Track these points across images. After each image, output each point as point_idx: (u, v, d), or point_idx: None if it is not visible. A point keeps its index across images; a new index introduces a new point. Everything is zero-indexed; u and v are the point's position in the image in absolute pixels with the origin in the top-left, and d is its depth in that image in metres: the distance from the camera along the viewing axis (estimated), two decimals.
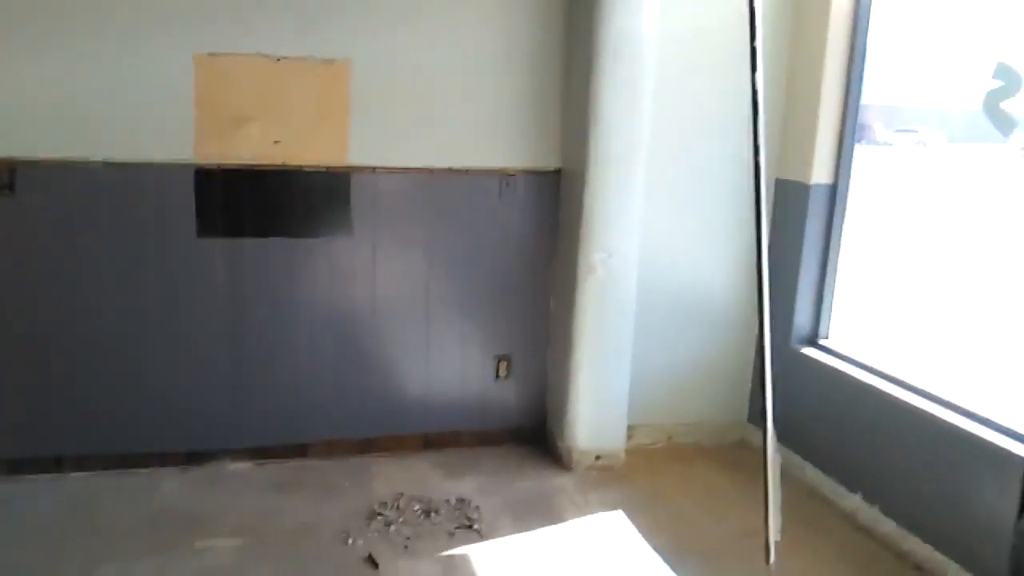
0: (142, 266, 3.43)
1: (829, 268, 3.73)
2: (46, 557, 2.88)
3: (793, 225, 3.75)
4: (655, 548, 3.13)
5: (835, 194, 3.67)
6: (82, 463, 3.50)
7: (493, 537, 3.17)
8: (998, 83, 2.91)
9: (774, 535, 2.16)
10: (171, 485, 3.45)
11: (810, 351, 3.74)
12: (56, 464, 3.48)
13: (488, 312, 3.84)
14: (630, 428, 3.90)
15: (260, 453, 3.69)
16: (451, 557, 3.02)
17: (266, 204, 3.50)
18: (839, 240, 3.71)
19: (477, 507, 3.36)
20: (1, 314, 3.33)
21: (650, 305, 3.82)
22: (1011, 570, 2.59)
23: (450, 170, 3.65)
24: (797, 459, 3.75)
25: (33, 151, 3.25)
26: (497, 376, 3.91)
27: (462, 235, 3.75)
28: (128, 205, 3.38)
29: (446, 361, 3.84)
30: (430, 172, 3.63)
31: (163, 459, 3.58)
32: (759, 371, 4.00)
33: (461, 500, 3.41)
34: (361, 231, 3.62)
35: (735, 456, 3.99)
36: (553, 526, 3.28)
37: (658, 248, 3.80)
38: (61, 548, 2.94)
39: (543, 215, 3.81)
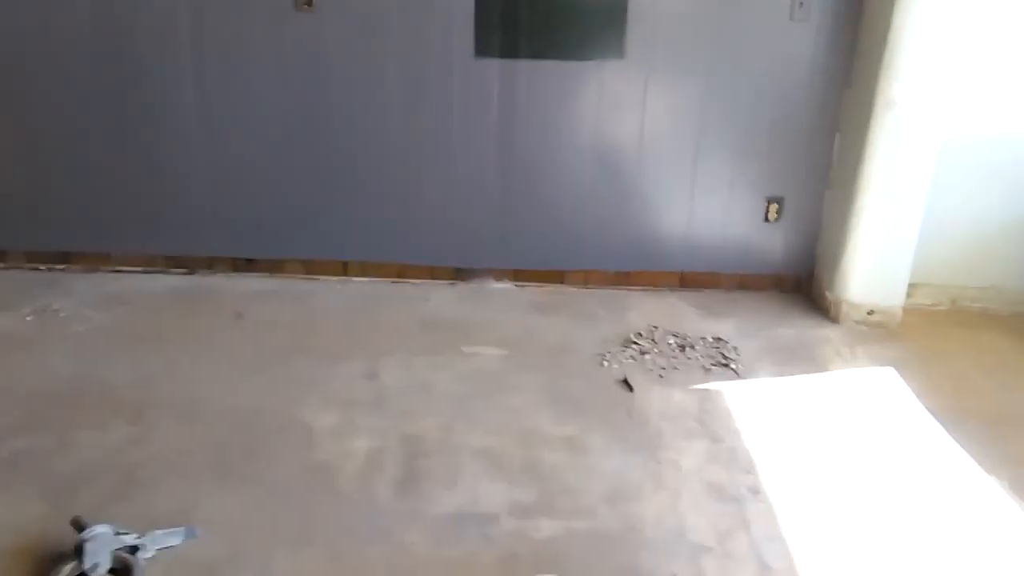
0: (425, 84, 3.54)
1: None
2: (338, 343, 3.23)
3: None
4: (929, 409, 2.89)
5: None
6: (364, 269, 3.83)
7: (750, 377, 3.09)
8: None
9: None
10: (440, 297, 3.69)
11: None
12: (343, 268, 3.84)
13: (763, 149, 3.60)
14: (911, 286, 3.57)
15: (521, 275, 3.83)
16: (707, 391, 2.99)
17: (541, 24, 3.44)
18: None
19: (735, 347, 3.28)
20: (298, 125, 3.62)
21: (953, 152, 3.37)
22: None
23: None
24: None
25: None
26: (766, 218, 3.70)
27: (744, 64, 3.48)
28: (414, 23, 3.46)
29: (712, 199, 3.68)
30: None
31: (433, 273, 3.83)
32: None
33: (718, 339, 3.34)
34: (634, 56, 3.47)
35: None
36: (815, 374, 3.13)
37: (974, 87, 3.30)
38: (350, 338, 3.28)
39: (839, 40, 3.41)
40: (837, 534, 2.28)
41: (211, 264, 3.82)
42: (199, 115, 3.59)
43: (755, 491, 2.44)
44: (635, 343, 3.30)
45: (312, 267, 3.83)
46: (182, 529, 2.13)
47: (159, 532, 2.10)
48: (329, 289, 3.72)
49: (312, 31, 3.48)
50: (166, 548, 2.08)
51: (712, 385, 3.03)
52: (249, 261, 3.82)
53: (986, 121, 3.40)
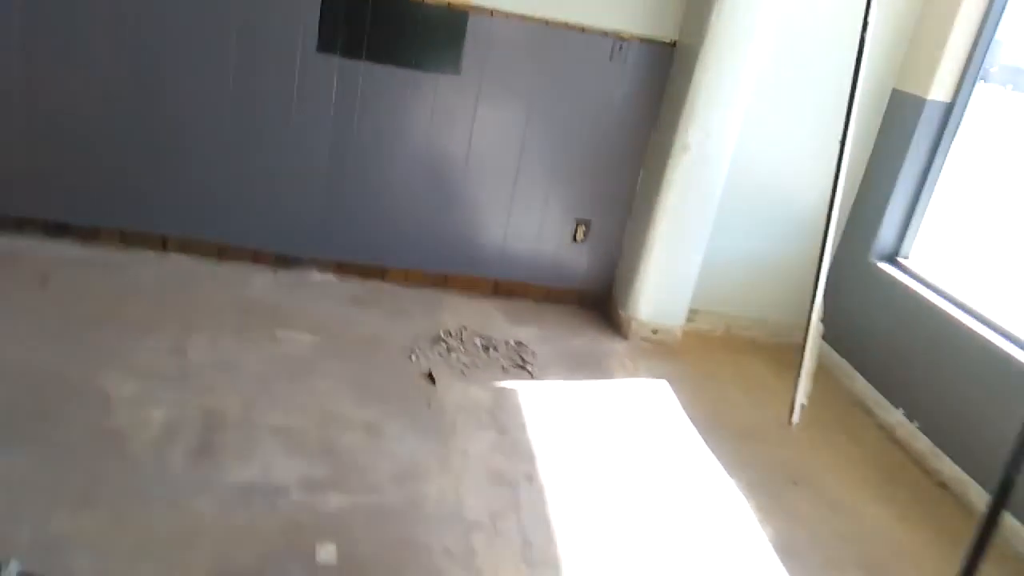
0: (263, 70, 3.60)
1: (926, 187, 3.67)
2: (147, 317, 3.21)
3: (899, 138, 3.68)
4: (691, 418, 3.30)
5: (950, 114, 3.56)
6: (184, 246, 3.81)
7: (543, 379, 3.38)
8: None
9: (801, 398, 2.28)
10: (261, 281, 3.75)
11: (887, 267, 3.74)
12: (162, 243, 3.81)
13: (577, 174, 3.93)
14: (692, 312, 4.02)
15: (343, 268, 3.95)
16: (502, 388, 3.25)
17: (384, 30, 3.60)
18: (943, 161, 3.63)
19: (533, 352, 3.57)
20: (129, 96, 3.57)
21: (735, 194, 3.84)
22: None
23: (566, 25, 3.66)
24: (849, 368, 3.82)
25: None
26: (575, 238, 4.04)
27: (566, 94, 3.79)
28: (258, 10, 3.51)
29: (528, 214, 3.98)
30: (545, 24, 3.65)
31: (255, 257, 3.87)
32: (834, 279, 4.04)
33: (519, 343, 3.62)
34: (469, 73, 3.70)
35: (789, 356, 4.06)
36: (599, 380, 3.47)
37: (754, 140, 3.78)
38: (161, 311, 3.28)
39: (650, 87, 3.81)
40: (596, 518, 2.59)
41: (20, 226, 3.67)
42: (19, 64, 3.46)
43: (530, 478, 2.72)
44: (444, 341, 3.52)
45: (130, 239, 3.77)
46: None
47: None
48: (145, 262, 3.68)
49: (152, 5, 3.45)
50: None
51: (508, 384, 3.29)
52: (62, 226, 3.71)
53: (763, 172, 3.90)
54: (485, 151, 3.85)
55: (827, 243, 2.46)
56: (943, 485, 3.13)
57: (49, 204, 3.68)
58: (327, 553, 2.20)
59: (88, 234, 3.72)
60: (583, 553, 2.42)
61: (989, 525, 1.47)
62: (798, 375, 2.35)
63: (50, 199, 3.67)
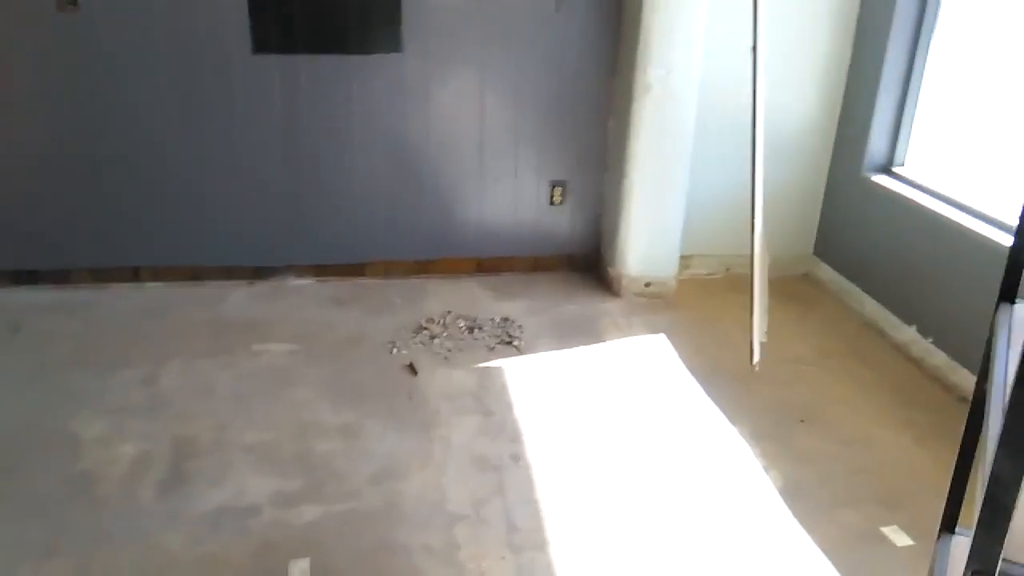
0: (202, 82, 3.49)
1: (911, 89, 3.43)
2: (120, 352, 3.15)
3: (876, 40, 3.44)
4: (690, 368, 3.13)
5: (925, 5, 3.30)
6: (158, 274, 3.75)
7: (531, 352, 3.24)
8: None
9: (759, 336, 2.11)
10: (237, 297, 3.67)
11: (882, 179, 3.50)
12: (135, 274, 3.74)
13: (544, 136, 3.76)
14: (687, 258, 3.83)
15: (321, 270, 3.85)
16: (487, 368, 3.12)
17: (317, 19, 3.46)
18: (924, 58, 3.38)
19: (520, 326, 3.43)
20: (74, 131, 3.50)
21: (713, 130, 3.63)
22: None
23: None
24: (858, 292, 3.61)
25: None
26: (552, 202, 3.88)
27: (517, 54, 3.62)
28: (186, 20, 3.40)
29: (500, 185, 3.82)
30: None
31: (231, 273, 3.79)
32: (829, 201, 3.82)
33: (505, 319, 3.48)
34: (412, 49, 3.55)
35: (796, 288, 3.88)
36: (592, 345, 3.32)
37: (721, 68, 3.55)
38: (134, 343, 3.21)
39: (603, 31, 3.61)
40: (587, 491, 2.45)
41: None
42: None
43: (516, 458, 2.59)
44: (426, 328, 3.40)
45: (101, 275, 3.71)
46: None
47: None
48: (119, 296, 3.62)
49: (78, 32, 3.36)
50: None
51: (494, 363, 3.16)
52: (31, 273, 3.66)
53: (734, 102, 3.67)
54: (445, 127, 3.70)
55: (756, 167, 2.26)
56: (964, 399, 2.91)
57: (14, 254, 3.63)
58: (300, 571, 2.11)
59: (59, 277, 3.68)
60: (573, 528, 2.29)
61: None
62: (751, 312, 2.16)
63: (15, 248, 3.63)
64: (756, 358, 2.15)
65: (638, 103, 3.45)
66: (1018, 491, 0.79)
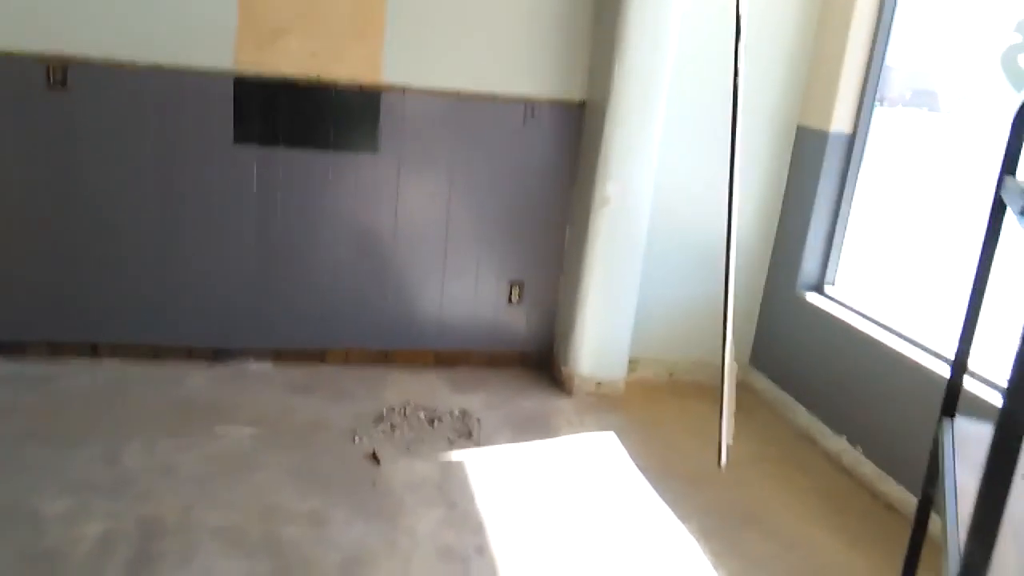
0: (182, 167, 3.61)
1: (841, 216, 3.80)
2: (79, 428, 3.14)
3: (810, 172, 3.81)
4: (640, 468, 3.30)
5: (852, 144, 3.71)
6: (116, 351, 3.76)
7: (489, 445, 3.37)
8: (1019, 38, 2.90)
9: (726, 439, 2.30)
10: (197, 378, 3.69)
11: (814, 297, 3.83)
12: (93, 350, 3.74)
13: (505, 238, 3.99)
14: (634, 361, 4.05)
15: (281, 356, 3.92)
16: (448, 461, 3.22)
17: (299, 116, 3.65)
18: (853, 189, 3.77)
19: (478, 419, 3.56)
20: (48, 204, 3.55)
21: (662, 242, 3.93)
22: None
23: (477, 95, 3.76)
24: (791, 401, 3.88)
25: (86, 50, 3.42)
26: (510, 300, 4.07)
27: (485, 161, 3.87)
28: (171, 107, 3.54)
29: (461, 283, 4.00)
30: (458, 96, 3.74)
31: (190, 354, 3.83)
32: (765, 315, 4.12)
33: (464, 412, 3.61)
34: (387, 150, 3.76)
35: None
36: (547, 440, 3.47)
37: (673, 187, 3.88)
38: (93, 422, 3.20)
39: (565, 146, 3.91)
40: None
41: None
42: None
43: (480, 550, 2.68)
44: (387, 419, 3.49)
45: (58, 349, 3.70)
46: None
47: None
48: (76, 371, 3.61)
49: (63, 110, 3.46)
50: None
51: (455, 455, 3.27)
52: None
53: (683, 216, 3.99)
54: (412, 224, 3.89)
55: (729, 285, 2.52)
56: (890, 507, 3.16)
57: None
58: None
59: (14, 349, 3.65)
60: None
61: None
62: (720, 416, 2.37)
63: None
64: (724, 460, 2.34)
65: (595, 214, 3.72)
66: None
